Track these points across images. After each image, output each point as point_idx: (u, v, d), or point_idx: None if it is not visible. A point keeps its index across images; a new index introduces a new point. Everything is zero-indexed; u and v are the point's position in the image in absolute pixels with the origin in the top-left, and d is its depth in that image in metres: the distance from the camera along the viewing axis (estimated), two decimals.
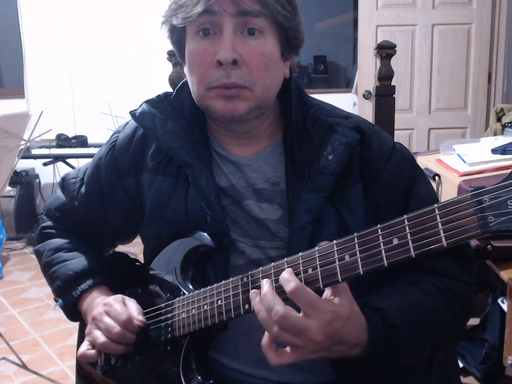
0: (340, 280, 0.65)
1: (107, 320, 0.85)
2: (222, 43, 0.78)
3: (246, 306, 0.74)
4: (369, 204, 0.85)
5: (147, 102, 0.92)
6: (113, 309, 0.86)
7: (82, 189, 1.00)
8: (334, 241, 0.66)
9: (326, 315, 0.65)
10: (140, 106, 0.92)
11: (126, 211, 0.96)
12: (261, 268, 0.74)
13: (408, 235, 0.60)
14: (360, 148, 0.85)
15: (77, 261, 0.97)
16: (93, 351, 0.87)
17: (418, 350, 0.77)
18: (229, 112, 0.81)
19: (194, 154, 0.88)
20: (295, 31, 0.84)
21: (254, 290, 0.70)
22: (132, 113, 0.92)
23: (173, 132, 0.89)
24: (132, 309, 0.86)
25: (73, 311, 0.97)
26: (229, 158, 0.90)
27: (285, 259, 0.71)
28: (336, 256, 0.65)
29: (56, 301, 0.98)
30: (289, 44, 0.85)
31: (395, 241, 0.61)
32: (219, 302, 0.78)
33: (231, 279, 0.77)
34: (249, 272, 0.75)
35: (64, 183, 1.04)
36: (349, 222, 0.83)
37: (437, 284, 0.81)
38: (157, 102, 0.92)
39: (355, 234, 0.65)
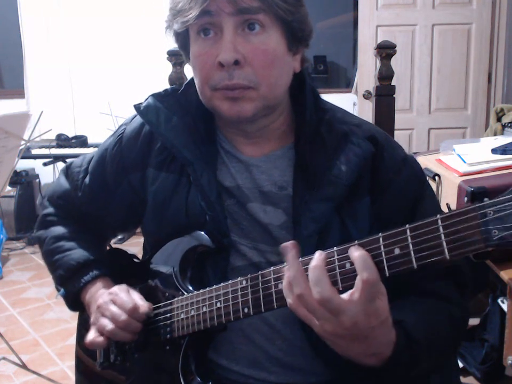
0: (341, 288, 0.63)
1: (113, 308, 0.85)
2: (222, 44, 0.76)
3: (245, 310, 0.74)
4: (375, 215, 0.83)
5: (153, 95, 0.91)
6: (118, 297, 0.86)
7: (87, 179, 0.98)
8: (335, 248, 0.65)
9: (369, 308, 0.61)
10: (146, 99, 0.91)
11: (129, 205, 0.95)
12: (260, 272, 0.73)
13: (410, 245, 0.59)
14: (372, 159, 0.83)
15: (80, 251, 0.97)
16: (101, 338, 0.87)
17: (427, 367, 0.76)
18: (235, 114, 0.79)
19: (198, 152, 0.87)
20: (300, 23, 0.81)
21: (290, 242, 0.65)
22: (137, 107, 0.90)
23: (177, 128, 0.87)
24: (136, 297, 0.87)
25: (75, 301, 0.97)
26: (237, 156, 0.88)
27: (285, 264, 0.68)
28: (336, 263, 0.64)
29: (58, 289, 0.98)
30: (295, 37, 0.81)
31: (397, 251, 0.60)
32: (218, 305, 0.77)
33: (230, 281, 0.77)
34: (249, 276, 0.74)
35: (68, 171, 1.03)
36: (353, 233, 0.81)
37: (439, 307, 0.80)
38: (164, 96, 0.90)
39: (356, 242, 0.63)
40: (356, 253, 0.61)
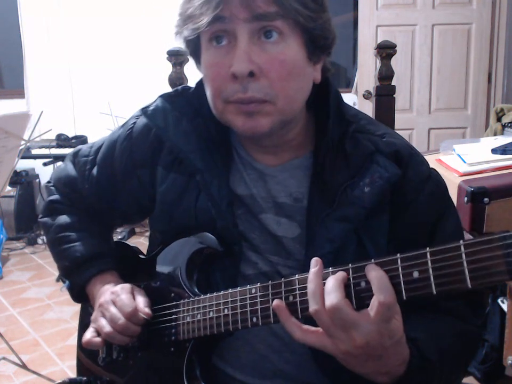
0: (354, 306, 0.61)
1: (113, 310, 0.83)
2: (236, 53, 0.70)
3: (254, 320, 0.71)
4: (393, 233, 0.80)
5: (162, 96, 0.87)
6: (119, 299, 0.84)
7: (94, 171, 0.96)
8: (350, 265, 0.63)
9: (384, 328, 0.59)
10: (154, 101, 0.87)
11: (137, 199, 0.93)
12: (270, 282, 0.70)
13: (430, 270, 0.56)
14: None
15: (86, 243, 0.95)
16: (98, 339, 0.85)
17: (438, 383, 0.74)
18: (250, 130, 0.74)
19: (208, 158, 0.83)
20: (322, 30, 0.74)
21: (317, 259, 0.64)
22: (144, 110, 0.87)
23: (186, 132, 0.84)
24: (138, 300, 0.85)
25: (80, 293, 0.96)
26: (253, 164, 0.85)
27: (296, 276, 0.68)
28: (351, 281, 0.62)
29: (63, 281, 0.97)
30: (316, 46, 0.75)
31: (415, 275, 0.57)
32: (226, 311, 0.75)
33: (238, 288, 0.74)
34: (258, 284, 0.72)
35: (75, 159, 1.00)
36: (370, 252, 0.78)
37: (452, 325, 0.79)
38: (174, 97, 0.87)
39: (372, 261, 0.61)
40: (373, 273, 0.59)
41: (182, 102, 0.86)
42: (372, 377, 0.65)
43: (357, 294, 0.61)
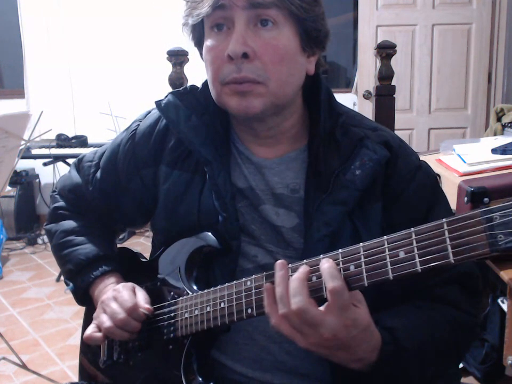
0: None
1: (113, 305, 0.85)
2: (232, 37, 0.76)
3: (249, 311, 0.74)
4: (386, 222, 0.83)
5: (173, 93, 0.90)
6: (120, 295, 0.86)
7: (98, 174, 0.99)
8: (340, 250, 0.66)
9: (347, 320, 0.63)
10: (166, 97, 0.90)
11: (140, 200, 0.95)
12: (264, 273, 0.72)
13: (415, 249, 0.59)
14: (386, 165, 0.83)
15: (90, 246, 0.97)
16: (99, 334, 0.87)
17: (421, 373, 0.76)
18: (243, 110, 0.79)
19: (215, 152, 0.86)
20: (315, 22, 0.79)
21: (282, 262, 0.68)
22: (158, 103, 0.90)
23: (196, 127, 0.87)
24: (139, 297, 0.87)
25: (84, 295, 0.98)
26: (250, 158, 0.88)
27: (289, 265, 0.70)
28: (341, 266, 0.65)
29: (67, 284, 0.99)
30: (309, 37, 0.80)
31: (401, 254, 0.60)
32: (222, 305, 0.77)
33: (234, 282, 0.77)
34: (253, 276, 0.74)
35: (80, 165, 1.03)
36: (364, 238, 0.78)
37: (444, 313, 0.80)
38: (183, 94, 0.90)
39: (360, 244, 0.64)
40: (325, 265, 0.64)
41: (191, 99, 0.90)
42: (346, 364, 0.69)
43: (312, 288, 0.66)
